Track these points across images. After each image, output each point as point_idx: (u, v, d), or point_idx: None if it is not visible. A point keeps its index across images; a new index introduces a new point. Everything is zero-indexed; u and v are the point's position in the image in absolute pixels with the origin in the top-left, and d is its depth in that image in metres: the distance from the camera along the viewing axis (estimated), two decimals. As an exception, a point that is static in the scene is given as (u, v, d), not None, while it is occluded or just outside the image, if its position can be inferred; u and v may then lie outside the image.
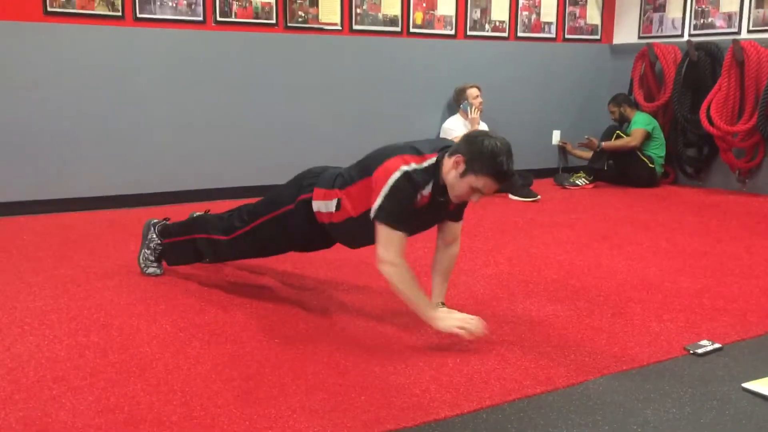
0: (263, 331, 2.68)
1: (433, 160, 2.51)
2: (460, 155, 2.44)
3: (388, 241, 2.49)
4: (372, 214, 2.50)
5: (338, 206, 2.69)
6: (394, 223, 2.48)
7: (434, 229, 2.78)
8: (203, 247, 3.15)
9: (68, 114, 4.87)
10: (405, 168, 2.46)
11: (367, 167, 2.60)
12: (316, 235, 2.88)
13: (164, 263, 3.37)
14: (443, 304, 2.78)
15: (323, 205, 2.74)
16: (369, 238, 2.61)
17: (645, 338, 2.64)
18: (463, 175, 2.44)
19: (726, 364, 2.42)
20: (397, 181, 2.45)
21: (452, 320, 2.49)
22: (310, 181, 2.81)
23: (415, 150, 2.54)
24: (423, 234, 2.75)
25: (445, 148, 2.55)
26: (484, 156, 2.39)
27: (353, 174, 2.67)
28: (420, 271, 3.41)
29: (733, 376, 2.32)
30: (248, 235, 2.95)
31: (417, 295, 2.53)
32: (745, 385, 2.24)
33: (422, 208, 2.52)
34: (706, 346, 2.55)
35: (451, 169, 2.46)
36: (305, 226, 2.83)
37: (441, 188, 2.52)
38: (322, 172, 2.84)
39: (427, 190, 2.49)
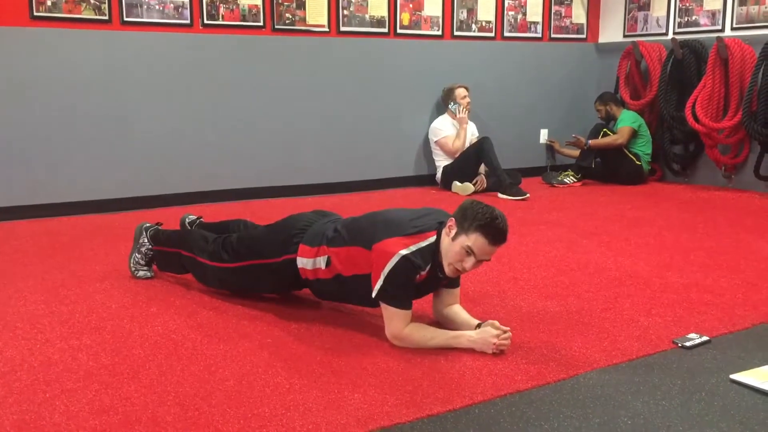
0: (255, 331, 2.69)
1: (433, 238, 2.51)
2: (452, 218, 2.48)
3: (392, 317, 2.52)
4: (374, 293, 2.52)
5: (328, 263, 2.68)
6: (397, 304, 2.51)
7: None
8: (188, 265, 3.16)
9: (56, 118, 4.86)
10: (403, 252, 2.45)
11: (361, 234, 2.61)
12: (296, 285, 2.94)
13: (155, 267, 3.37)
14: (480, 322, 2.60)
15: (310, 263, 2.73)
16: (356, 298, 2.72)
17: (634, 332, 2.67)
18: (455, 237, 2.45)
19: (714, 356, 2.45)
20: (396, 265, 2.45)
21: (488, 344, 2.45)
22: (297, 237, 2.78)
23: (415, 229, 2.53)
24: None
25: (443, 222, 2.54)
26: (471, 214, 2.42)
27: (345, 236, 2.67)
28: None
29: (720, 368, 2.35)
30: (232, 271, 2.97)
31: (434, 335, 2.54)
32: (733, 376, 2.27)
33: (421, 282, 2.55)
34: (695, 339, 2.58)
35: (445, 236, 2.49)
36: (289, 280, 2.87)
37: (439, 264, 2.52)
38: (309, 225, 2.82)
39: (425, 269, 2.50)
